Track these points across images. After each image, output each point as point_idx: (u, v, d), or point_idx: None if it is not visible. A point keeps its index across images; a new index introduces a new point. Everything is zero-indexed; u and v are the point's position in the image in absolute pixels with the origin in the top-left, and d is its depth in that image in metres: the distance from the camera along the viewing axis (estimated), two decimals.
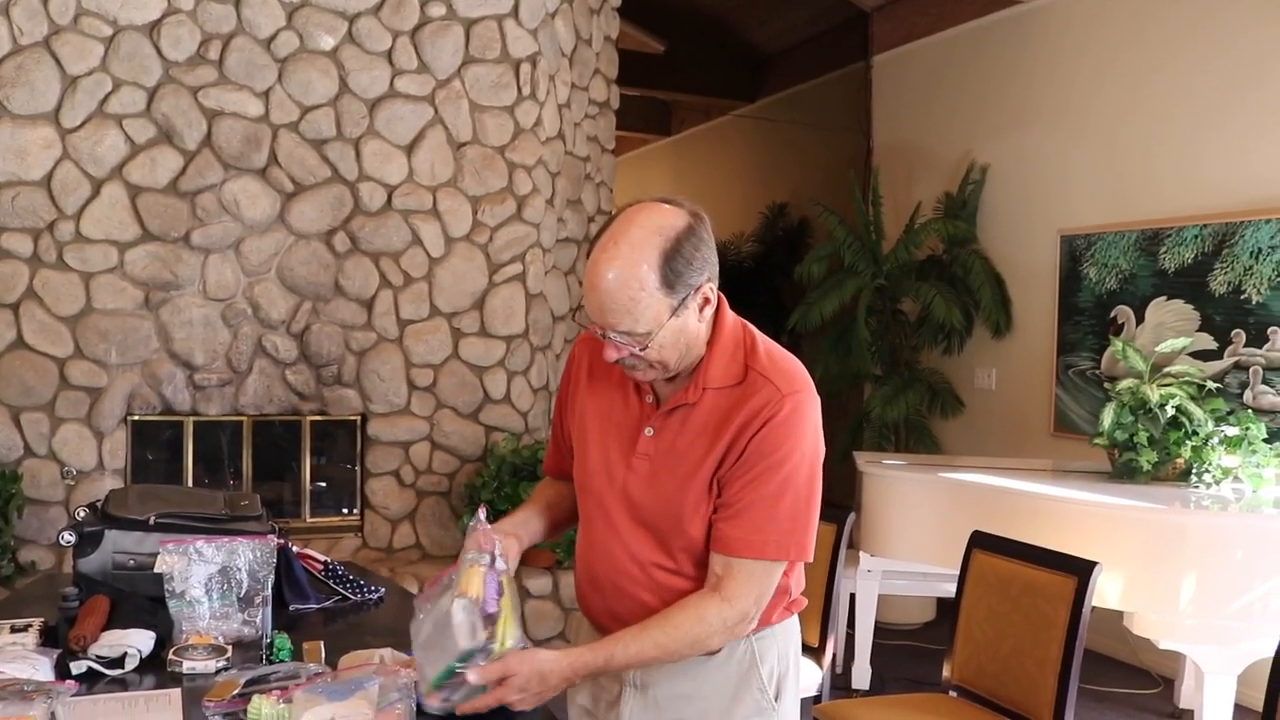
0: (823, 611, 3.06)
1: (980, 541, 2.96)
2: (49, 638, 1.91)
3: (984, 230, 5.85)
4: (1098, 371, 5.12)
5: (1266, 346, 4.32)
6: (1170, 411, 3.91)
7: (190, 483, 4.65)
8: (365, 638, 1.97)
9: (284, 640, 1.90)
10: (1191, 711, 3.72)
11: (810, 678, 3.01)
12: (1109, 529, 3.48)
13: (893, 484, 4.30)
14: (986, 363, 5.87)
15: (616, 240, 1.51)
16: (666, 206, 1.55)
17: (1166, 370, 4.15)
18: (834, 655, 3.59)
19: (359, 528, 4.95)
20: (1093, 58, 5.20)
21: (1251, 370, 4.37)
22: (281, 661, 1.82)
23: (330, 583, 2.40)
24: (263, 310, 4.66)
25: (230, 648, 1.86)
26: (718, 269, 1.59)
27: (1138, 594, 3.41)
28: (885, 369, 6.05)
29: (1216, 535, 3.37)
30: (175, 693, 1.69)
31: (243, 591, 1.96)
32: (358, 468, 4.93)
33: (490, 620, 1.48)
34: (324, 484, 4.95)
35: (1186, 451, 3.88)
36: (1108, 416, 4.03)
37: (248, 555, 1.98)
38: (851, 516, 3.22)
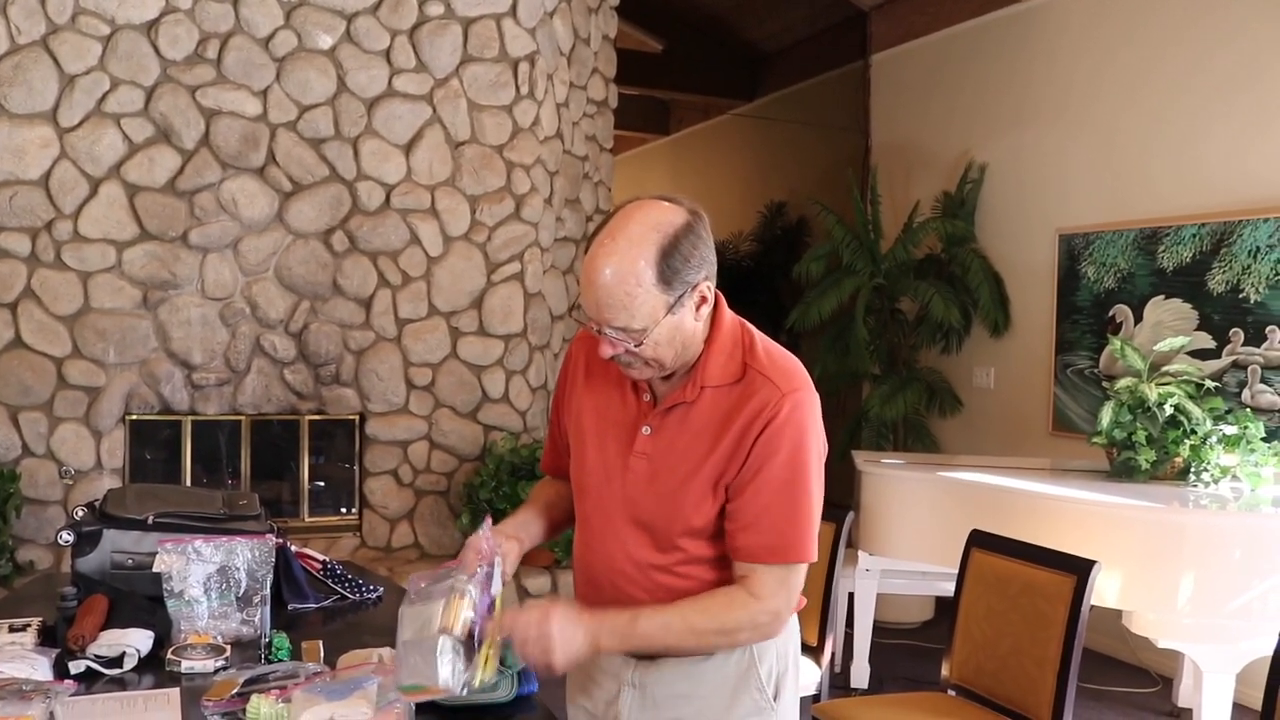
0: (821, 610, 3.05)
1: (979, 540, 2.96)
2: (47, 637, 1.90)
3: (982, 229, 5.85)
4: (1096, 370, 5.13)
5: (1265, 345, 4.32)
6: (1168, 410, 3.91)
7: (188, 482, 4.65)
8: (364, 637, 1.96)
9: (282, 640, 1.90)
10: (1190, 710, 3.72)
11: (809, 677, 3.01)
12: (1108, 528, 3.48)
13: (891, 483, 4.29)
14: (985, 362, 5.87)
15: (614, 236, 1.51)
16: (665, 204, 1.55)
17: (1165, 369, 4.14)
18: (832, 654, 3.59)
19: (357, 527, 4.95)
20: (1091, 57, 5.20)
21: (1250, 369, 4.37)
22: (280, 661, 1.81)
23: (329, 582, 2.40)
24: (261, 309, 4.66)
25: (229, 647, 1.86)
26: (716, 268, 1.59)
27: (1136, 593, 3.41)
28: (884, 368, 6.05)
29: (1215, 534, 3.37)
30: (174, 692, 1.69)
31: (241, 591, 1.96)
32: (356, 467, 4.93)
33: (472, 648, 1.47)
34: (322, 483, 4.95)
35: (1185, 450, 3.88)
36: (1106, 415, 4.03)
37: (246, 555, 1.98)
38: (850, 515, 3.22)
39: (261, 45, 4.58)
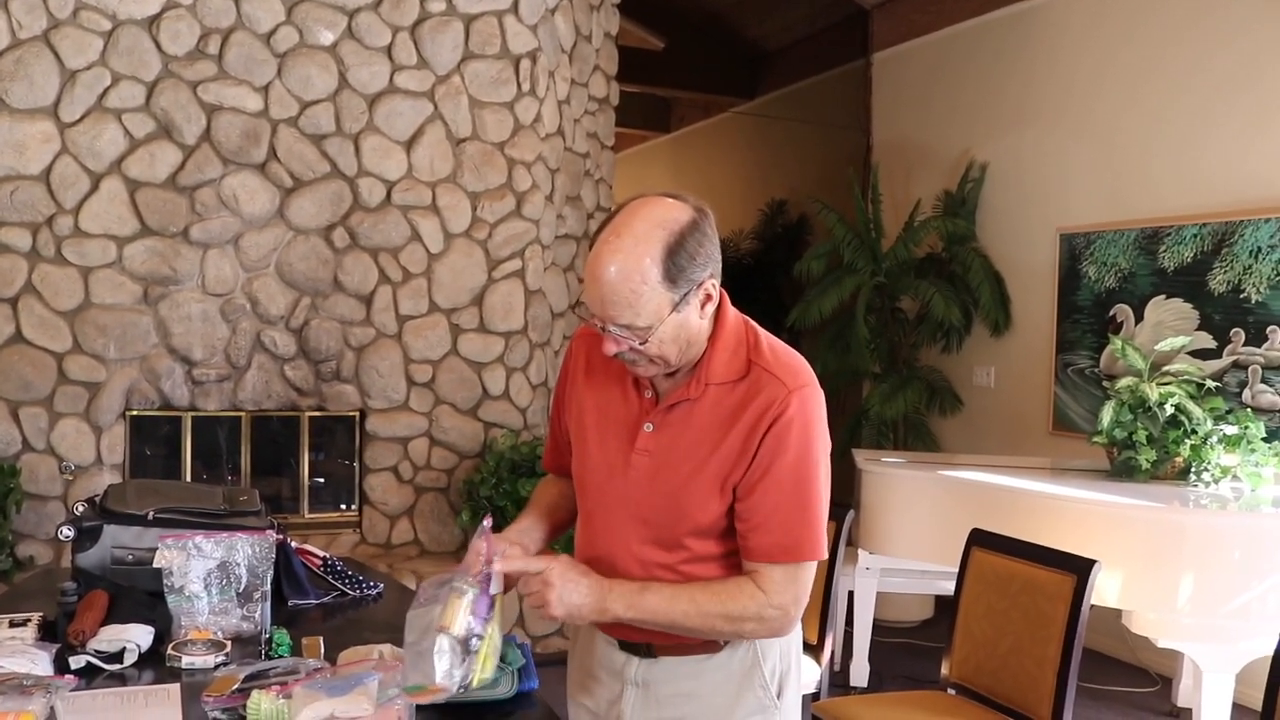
0: (821, 609, 3.05)
1: (979, 539, 2.96)
2: (48, 632, 1.91)
3: (983, 228, 5.85)
4: (1096, 370, 5.12)
5: (1265, 345, 4.32)
6: (1169, 410, 3.91)
7: (189, 478, 4.65)
8: (364, 633, 1.97)
9: (283, 636, 1.90)
10: (1190, 710, 3.72)
11: (809, 675, 3.01)
12: (1108, 527, 3.48)
13: (891, 482, 4.29)
14: (985, 361, 5.87)
15: (620, 233, 1.50)
16: (671, 200, 1.54)
17: (1165, 369, 4.15)
18: (832, 653, 3.60)
19: (357, 523, 4.95)
20: (1092, 56, 5.20)
21: (1250, 369, 4.37)
22: (280, 657, 1.81)
23: (329, 578, 2.40)
24: (261, 305, 4.66)
25: (229, 643, 1.86)
26: (720, 265, 1.59)
27: (1136, 592, 3.41)
28: (884, 367, 6.05)
29: (1215, 534, 3.37)
30: (174, 688, 1.69)
31: (242, 587, 1.96)
32: (356, 463, 4.93)
33: (470, 649, 1.47)
34: (322, 480, 4.95)
35: (1185, 450, 3.88)
36: (1107, 415, 4.03)
37: (246, 550, 1.98)
38: (850, 514, 3.22)
39: (263, 41, 4.57)
